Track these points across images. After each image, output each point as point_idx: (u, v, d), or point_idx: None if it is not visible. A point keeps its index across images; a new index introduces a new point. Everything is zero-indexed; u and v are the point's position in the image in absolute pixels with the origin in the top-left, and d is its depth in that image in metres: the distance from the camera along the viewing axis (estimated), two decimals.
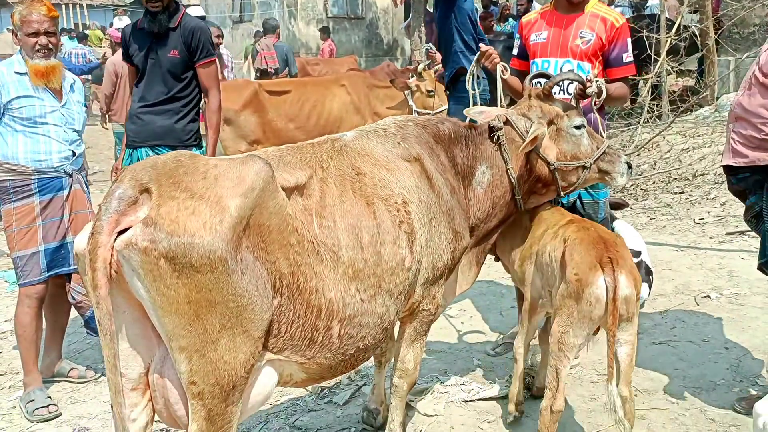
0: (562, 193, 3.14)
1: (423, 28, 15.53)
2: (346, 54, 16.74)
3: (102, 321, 1.89)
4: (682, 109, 8.56)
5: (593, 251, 2.75)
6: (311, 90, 7.57)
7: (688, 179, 7.64)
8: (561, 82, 3.37)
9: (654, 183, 7.82)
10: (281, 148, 2.55)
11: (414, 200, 2.65)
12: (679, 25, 9.27)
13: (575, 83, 3.22)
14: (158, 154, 3.79)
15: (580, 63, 3.53)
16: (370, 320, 2.43)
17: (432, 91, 7.25)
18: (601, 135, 3.29)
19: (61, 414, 3.68)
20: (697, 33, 9.43)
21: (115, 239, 1.91)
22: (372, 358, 3.41)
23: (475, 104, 3.49)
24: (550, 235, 3.08)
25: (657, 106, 9.76)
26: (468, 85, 3.64)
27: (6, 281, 5.95)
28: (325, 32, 16.58)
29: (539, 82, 3.33)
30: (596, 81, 3.16)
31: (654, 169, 8.12)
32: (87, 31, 20.34)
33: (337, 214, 2.39)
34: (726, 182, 3.50)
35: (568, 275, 2.74)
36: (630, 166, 3.15)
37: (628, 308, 2.72)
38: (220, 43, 11.24)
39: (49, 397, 3.75)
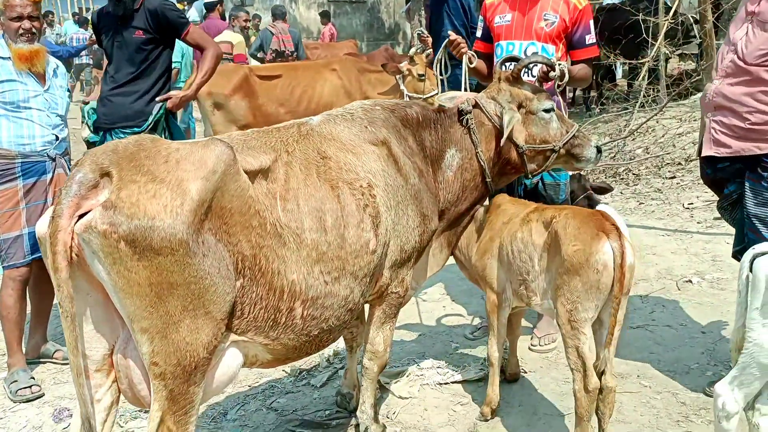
0: (529, 176, 3.16)
1: (423, 13, 15.45)
2: (347, 38, 16.68)
3: (63, 303, 1.92)
4: (674, 93, 8.52)
5: (591, 222, 2.74)
6: (302, 74, 7.56)
7: (680, 164, 7.63)
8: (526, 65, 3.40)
9: (646, 168, 7.81)
10: (246, 133, 2.58)
11: (380, 184, 2.68)
12: (677, 9, 9.21)
13: (539, 66, 3.24)
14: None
15: (544, 45, 3.56)
16: (334, 302, 2.46)
17: (423, 75, 7.23)
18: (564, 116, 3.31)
19: (44, 394, 3.74)
20: (691, 19, 9.36)
21: (76, 223, 1.94)
22: (344, 342, 3.46)
23: (443, 90, 3.51)
24: (516, 223, 3.09)
25: (654, 91, 9.72)
26: (435, 71, 3.66)
27: None
28: (325, 16, 16.52)
29: (504, 65, 3.34)
30: (559, 64, 3.18)
31: (647, 153, 8.11)
32: (89, 15, 20.30)
33: (300, 197, 2.42)
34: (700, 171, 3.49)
35: (566, 250, 2.70)
36: (599, 151, 3.16)
37: (631, 279, 2.70)
38: (248, 27, 11.35)
39: (33, 378, 3.81)
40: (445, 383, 3.60)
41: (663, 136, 8.47)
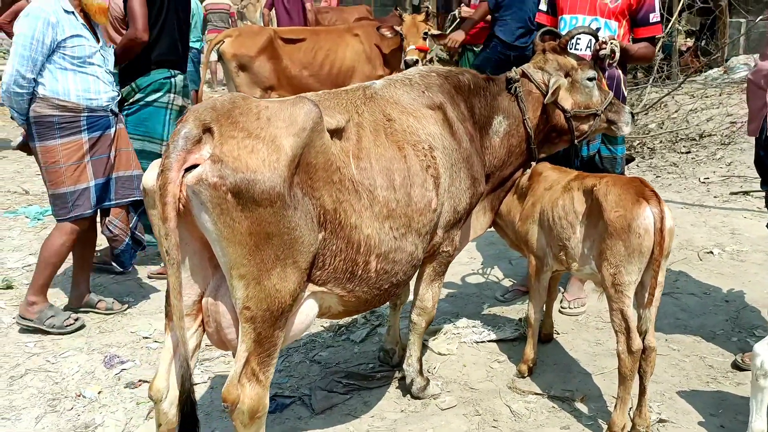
0: (575, 141, 3.29)
1: None
2: (355, 3, 16.55)
3: (170, 251, 2.04)
4: (691, 71, 8.59)
5: (631, 188, 2.86)
6: (325, 39, 7.59)
7: (694, 139, 7.76)
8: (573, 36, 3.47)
9: (661, 142, 7.93)
10: (318, 94, 2.69)
11: (438, 146, 2.81)
12: None
13: (593, 44, 3.35)
14: None
15: (607, 21, 3.64)
16: (402, 257, 2.60)
17: (427, 33, 7.19)
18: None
19: (84, 325, 3.96)
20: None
21: (183, 176, 2.05)
22: None
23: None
24: (558, 190, 3.22)
25: (667, 66, 9.80)
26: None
27: (27, 217, 6.09)
28: None
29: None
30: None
31: (661, 128, 8.23)
32: None
33: (372, 156, 2.55)
34: (755, 151, 3.42)
35: (609, 216, 2.83)
36: (633, 116, 3.32)
37: (671, 242, 2.83)
38: None
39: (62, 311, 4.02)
40: (482, 342, 3.76)
41: (676, 112, 8.58)
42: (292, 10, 10.61)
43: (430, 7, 12.59)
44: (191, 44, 9.72)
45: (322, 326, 4.01)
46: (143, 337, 3.93)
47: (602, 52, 3.35)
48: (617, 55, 3.41)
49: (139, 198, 4.11)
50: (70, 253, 4.09)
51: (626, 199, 2.82)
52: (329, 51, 7.55)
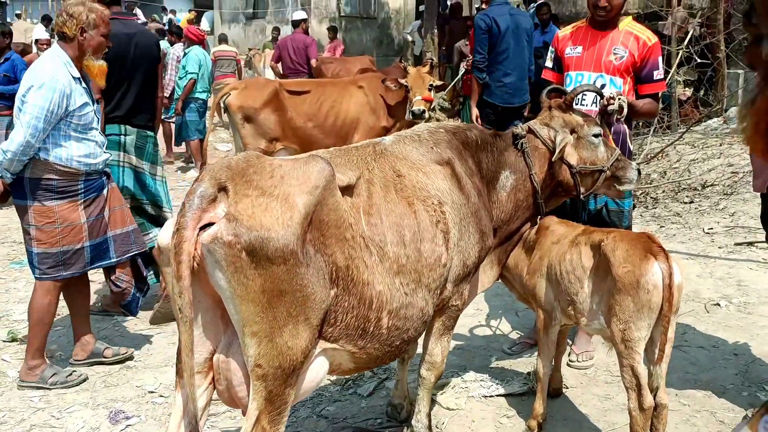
0: (581, 197, 3.33)
1: (436, 31, 15.75)
2: (357, 54, 16.90)
3: (183, 309, 2.06)
4: (694, 122, 8.71)
5: (638, 244, 2.89)
6: (329, 91, 7.72)
7: (697, 189, 7.81)
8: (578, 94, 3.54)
9: (664, 192, 7.98)
10: (330, 151, 2.73)
11: (448, 201, 2.85)
12: (691, 38, 9.47)
13: (599, 100, 3.42)
14: None
15: (612, 78, 3.72)
16: (413, 313, 2.61)
17: (432, 85, 7.36)
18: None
19: (87, 378, 3.95)
20: (705, 48, 9.61)
21: (197, 234, 2.08)
22: None
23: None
24: (565, 245, 3.24)
25: (667, 117, 9.94)
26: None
27: None
28: (332, 31, 16.72)
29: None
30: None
31: (664, 178, 8.29)
32: None
33: (383, 212, 2.58)
34: (761, 207, 3.47)
35: (617, 272, 2.84)
36: (639, 172, 3.36)
37: (680, 298, 2.84)
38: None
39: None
40: (490, 396, 3.72)
41: (678, 162, 8.66)
42: (296, 62, 10.96)
43: (434, 59, 12.91)
44: (198, 95, 10.05)
45: (328, 380, 3.97)
46: (148, 392, 3.90)
47: (610, 107, 3.43)
48: (625, 110, 3.49)
49: (136, 252, 4.16)
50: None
51: (634, 254, 2.84)
52: (334, 102, 7.67)
